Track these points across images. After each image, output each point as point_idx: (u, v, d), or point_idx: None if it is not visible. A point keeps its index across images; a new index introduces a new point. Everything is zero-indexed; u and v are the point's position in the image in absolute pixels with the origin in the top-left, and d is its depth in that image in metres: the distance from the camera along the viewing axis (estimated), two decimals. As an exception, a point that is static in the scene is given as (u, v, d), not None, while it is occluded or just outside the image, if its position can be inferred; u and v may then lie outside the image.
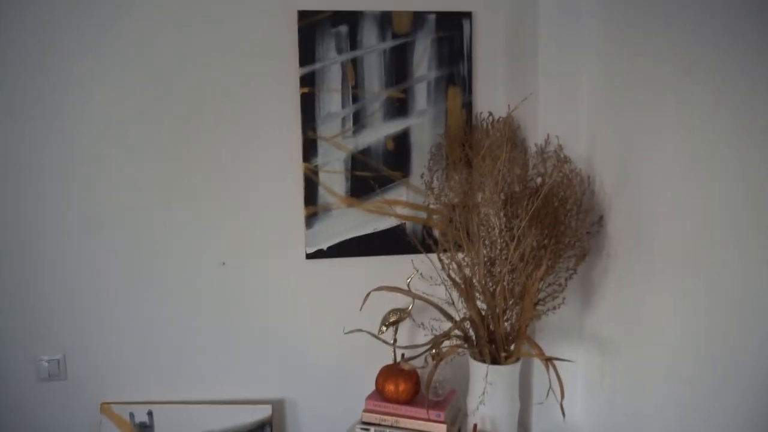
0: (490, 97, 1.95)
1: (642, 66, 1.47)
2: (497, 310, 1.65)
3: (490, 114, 1.90)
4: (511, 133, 1.77)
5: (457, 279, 1.69)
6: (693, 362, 1.33)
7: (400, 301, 1.90)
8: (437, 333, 1.76)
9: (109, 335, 1.89)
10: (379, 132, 1.92)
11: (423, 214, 1.95)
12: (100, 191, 1.84)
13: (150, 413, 1.89)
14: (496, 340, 1.67)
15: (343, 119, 1.90)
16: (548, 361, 1.56)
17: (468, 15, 1.92)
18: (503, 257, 1.63)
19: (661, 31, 1.39)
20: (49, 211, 1.82)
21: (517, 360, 1.67)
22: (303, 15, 1.84)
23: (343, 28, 1.87)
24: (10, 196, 1.80)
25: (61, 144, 1.81)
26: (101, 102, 1.81)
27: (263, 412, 1.91)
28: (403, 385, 1.74)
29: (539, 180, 1.72)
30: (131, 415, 1.89)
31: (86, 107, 1.80)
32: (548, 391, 1.60)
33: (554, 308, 1.70)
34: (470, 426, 1.68)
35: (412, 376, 1.77)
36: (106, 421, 1.88)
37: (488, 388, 1.61)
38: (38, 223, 1.82)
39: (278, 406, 1.99)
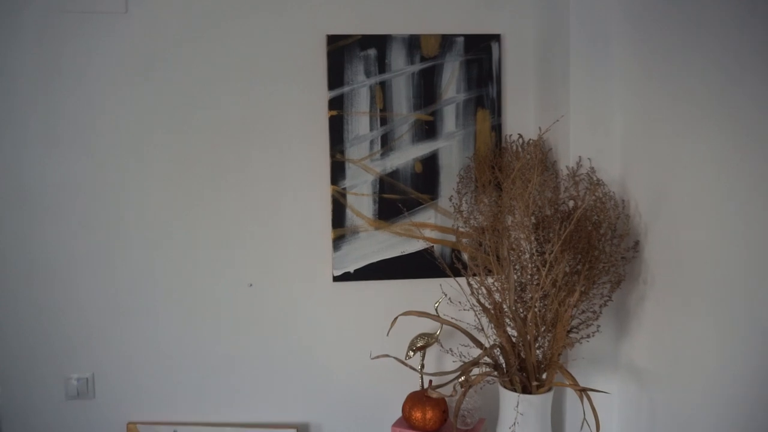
0: (520, 120, 1.93)
1: (678, 86, 1.43)
2: (528, 337, 1.60)
3: (520, 136, 1.88)
4: (542, 156, 1.74)
5: (487, 304, 1.65)
6: (737, 395, 1.26)
7: (428, 325, 1.87)
8: (466, 359, 1.72)
9: (137, 355, 1.91)
10: (407, 154, 1.91)
11: (452, 238, 1.92)
12: (131, 214, 1.87)
13: (175, 435, 1.89)
14: (528, 369, 1.61)
15: (371, 142, 1.90)
16: (582, 391, 1.49)
17: (497, 37, 1.91)
18: (534, 282, 1.58)
19: (697, 51, 1.35)
20: (79, 233, 1.86)
21: (550, 389, 1.61)
22: (332, 39, 1.87)
23: (372, 52, 1.88)
24: (38, 221, 1.85)
25: (91, 167, 1.85)
26: (131, 125, 1.85)
27: (288, 437, 1.88)
28: (430, 412, 1.70)
29: (571, 203, 1.68)
30: (157, 436, 1.89)
31: (116, 131, 1.85)
32: (582, 423, 1.54)
33: (588, 336, 1.64)
34: (500, 458, 1.62)
35: (440, 404, 1.72)
36: (131, 441, 1.88)
37: (519, 418, 1.56)
38: (69, 245, 1.86)
39: (303, 430, 1.96)
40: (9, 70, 1.80)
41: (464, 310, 1.80)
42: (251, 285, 1.92)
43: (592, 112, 1.71)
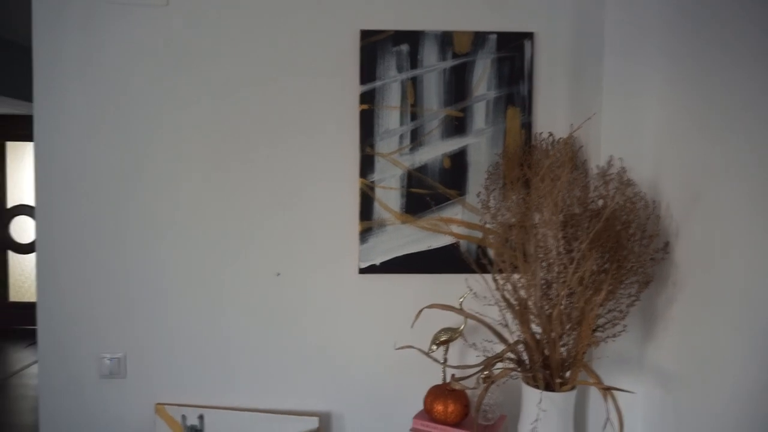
0: (550, 118, 1.93)
1: (714, 87, 1.41)
2: (553, 335, 1.60)
3: (551, 134, 1.88)
4: (572, 154, 1.74)
5: (512, 300, 1.66)
6: (765, 403, 1.24)
7: (452, 320, 1.88)
8: (489, 355, 1.72)
9: (167, 338, 1.96)
10: (436, 150, 1.93)
11: (478, 234, 1.93)
12: (163, 203, 1.93)
13: (201, 417, 1.94)
14: (551, 366, 1.61)
15: (401, 136, 1.92)
16: (607, 390, 1.49)
17: (530, 35, 1.91)
18: (561, 280, 1.58)
19: (733, 52, 1.34)
20: (116, 220, 1.93)
21: (573, 388, 1.61)
22: (365, 34, 1.89)
23: (404, 47, 1.90)
24: (80, 204, 1.92)
25: (129, 155, 1.91)
26: (166, 120, 1.91)
27: (310, 424, 1.92)
28: (452, 406, 1.71)
29: (600, 202, 1.67)
30: (183, 417, 1.94)
31: (154, 121, 1.91)
32: (606, 422, 1.53)
33: (614, 336, 1.63)
34: (521, 454, 1.62)
35: (462, 398, 1.73)
36: (159, 421, 1.93)
37: (541, 415, 1.56)
38: (106, 230, 1.93)
39: (325, 418, 1.99)
40: (53, 58, 1.87)
41: (489, 305, 1.81)
42: (279, 274, 1.96)
43: (625, 112, 1.70)
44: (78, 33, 1.87)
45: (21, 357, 4.84)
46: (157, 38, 1.89)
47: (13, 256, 5.74)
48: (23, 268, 5.74)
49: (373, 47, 1.90)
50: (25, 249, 5.66)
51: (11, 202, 5.71)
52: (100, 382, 1.96)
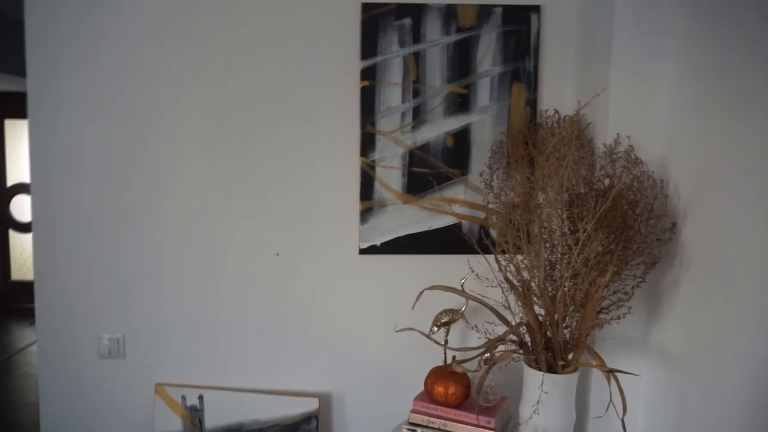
0: (557, 95, 1.87)
1: (729, 64, 1.36)
2: (556, 317, 1.57)
3: (557, 112, 1.82)
4: (578, 132, 1.69)
5: (515, 282, 1.63)
6: (776, 385, 1.21)
7: (454, 301, 1.85)
8: (491, 336, 1.70)
9: (167, 319, 1.95)
10: (438, 128, 1.88)
11: (481, 214, 1.89)
12: (165, 185, 1.90)
13: (201, 397, 1.93)
14: (554, 348, 1.59)
15: (403, 114, 1.87)
16: (610, 373, 1.47)
17: (536, 8, 1.85)
18: (565, 261, 1.55)
19: (749, 30, 1.28)
20: (115, 199, 1.90)
21: (575, 370, 1.59)
22: (366, 7, 1.83)
23: (407, 21, 1.84)
24: (82, 187, 1.88)
25: (130, 140, 1.87)
26: (167, 98, 1.86)
27: (310, 405, 1.91)
28: (453, 387, 1.69)
29: (607, 182, 1.63)
30: (183, 397, 1.93)
31: (153, 97, 1.86)
32: (608, 404, 1.51)
33: (618, 317, 1.61)
34: (522, 435, 1.61)
35: (463, 380, 1.72)
36: (159, 401, 1.93)
37: (543, 397, 1.54)
38: (106, 212, 1.90)
39: (325, 399, 1.98)
40: (47, 33, 1.82)
41: (491, 286, 1.78)
42: (278, 254, 1.93)
43: (634, 88, 1.64)
44: (74, 7, 1.81)
45: (24, 335, 4.86)
46: (157, 16, 1.83)
47: (14, 235, 5.73)
48: (24, 247, 5.73)
49: (375, 21, 1.84)
50: (26, 228, 5.65)
51: (11, 180, 5.68)
52: (100, 362, 1.95)
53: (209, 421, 1.92)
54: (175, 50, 1.84)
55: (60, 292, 1.92)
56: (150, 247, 1.92)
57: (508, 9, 1.84)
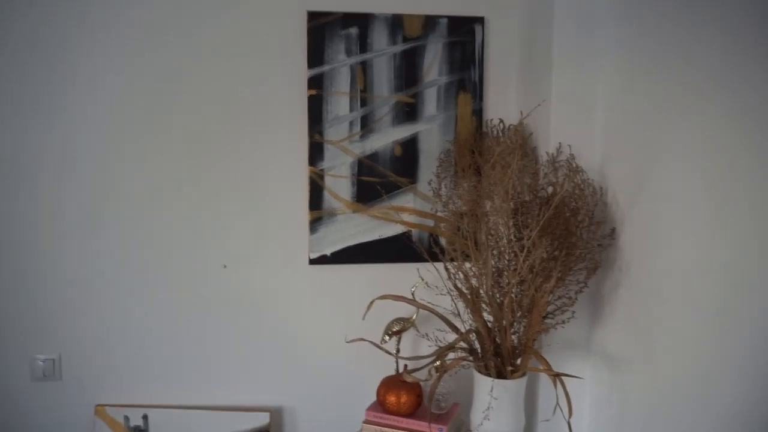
0: (502, 104, 1.91)
1: (661, 77, 1.43)
2: (504, 323, 1.60)
3: (501, 121, 1.86)
4: (522, 141, 1.73)
5: (464, 289, 1.65)
6: (708, 382, 1.27)
7: (404, 310, 1.86)
8: (441, 344, 1.72)
9: (106, 336, 1.86)
10: (387, 137, 1.88)
11: (430, 222, 1.90)
12: (102, 191, 1.81)
13: (145, 417, 1.85)
14: (503, 354, 1.62)
15: (351, 123, 1.87)
16: (556, 376, 1.50)
17: (480, 20, 1.88)
18: (512, 268, 1.58)
19: (682, 40, 1.35)
20: (49, 210, 1.80)
21: (524, 375, 1.62)
22: (313, 16, 1.82)
23: (353, 30, 1.84)
24: (9, 194, 1.78)
25: (63, 142, 1.78)
26: (106, 101, 1.78)
27: (261, 420, 1.86)
28: (405, 397, 1.70)
29: (550, 189, 1.67)
30: (126, 418, 1.85)
31: (90, 106, 1.78)
32: (555, 407, 1.55)
33: (563, 322, 1.65)
34: (473, 441, 1.62)
35: (415, 388, 1.72)
36: (100, 423, 1.84)
37: (493, 402, 1.56)
38: (38, 221, 1.80)
39: (276, 413, 1.94)
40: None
41: (441, 294, 1.79)
42: (225, 266, 1.88)
43: (574, 99, 1.70)
44: (24, 9, 1.70)
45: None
46: (97, 18, 1.74)
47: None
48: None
49: (321, 29, 1.82)
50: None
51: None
52: (33, 385, 1.84)
53: (154, 442, 1.84)
54: (117, 54, 1.77)
55: (-12, 312, 1.80)
56: (86, 259, 1.83)
57: (453, 20, 1.87)
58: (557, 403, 1.52)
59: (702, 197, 1.28)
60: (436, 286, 1.85)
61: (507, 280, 1.60)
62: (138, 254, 1.85)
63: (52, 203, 1.80)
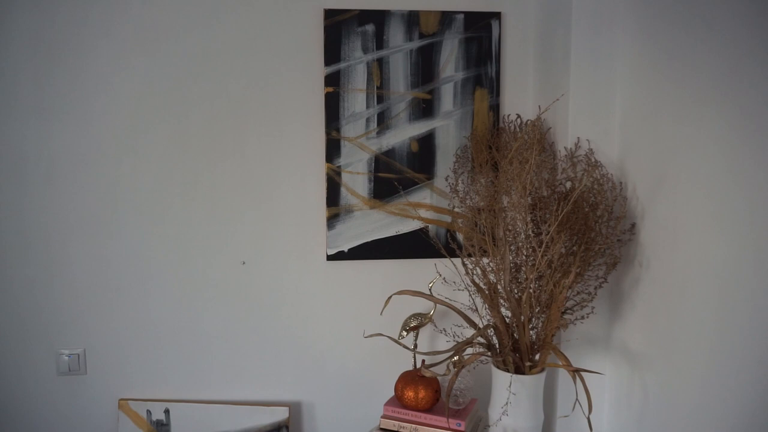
0: (519, 100, 1.90)
1: (680, 69, 1.41)
2: (522, 318, 1.59)
3: (519, 116, 1.86)
4: (540, 136, 1.72)
5: (482, 285, 1.64)
6: (729, 379, 1.26)
7: (422, 305, 1.86)
8: (459, 340, 1.72)
9: (129, 332, 1.89)
10: (403, 133, 1.89)
11: (447, 218, 1.90)
12: (123, 190, 1.85)
13: (167, 411, 1.88)
14: (521, 349, 1.61)
15: (368, 120, 1.87)
16: (576, 372, 1.49)
17: (497, 15, 1.87)
18: (530, 263, 1.57)
19: (702, 34, 1.33)
20: (72, 208, 1.84)
21: (542, 370, 1.61)
22: (329, 13, 1.83)
23: (370, 28, 1.85)
24: (35, 194, 1.82)
25: (84, 142, 1.82)
26: (126, 100, 1.82)
27: (280, 414, 1.88)
28: (423, 392, 1.70)
29: (569, 185, 1.66)
30: (148, 412, 1.88)
31: (111, 104, 1.81)
32: (575, 403, 1.54)
33: (582, 317, 1.64)
34: (492, 437, 1.62)
35: (433, 384, 1.72)
36: (123, 417, 1.87)
37: (511, 398, 1.56)
38: (63, 219, 1.83)
39: (295, 408, 1.96)
40: (3, 37, 1.75)
41: (458, 290, 1.79)
42: (244, 263, 1.91)
43: (593, 93, 1.68)
44: (28, 8, 1.74)
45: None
46: (115, 15, 1.78)
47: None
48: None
49: (338, 27, 1.83)
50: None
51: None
52: (59, 379, 1.88)
53: (176, 436, 1.87)
54: (135, 52, 1.80)
55: (15, 309, 1.84)
56: (110, 257, 1.86)
57: (469, 15, 1.87)
58: (576, 399, 1.51)
59: (726, 191, 1.26)
60: (454, 282, 1.85)
61: (525, 276, 1.59)
62: (159, 252, 1.88)
63: (74, 203, 1.83)
